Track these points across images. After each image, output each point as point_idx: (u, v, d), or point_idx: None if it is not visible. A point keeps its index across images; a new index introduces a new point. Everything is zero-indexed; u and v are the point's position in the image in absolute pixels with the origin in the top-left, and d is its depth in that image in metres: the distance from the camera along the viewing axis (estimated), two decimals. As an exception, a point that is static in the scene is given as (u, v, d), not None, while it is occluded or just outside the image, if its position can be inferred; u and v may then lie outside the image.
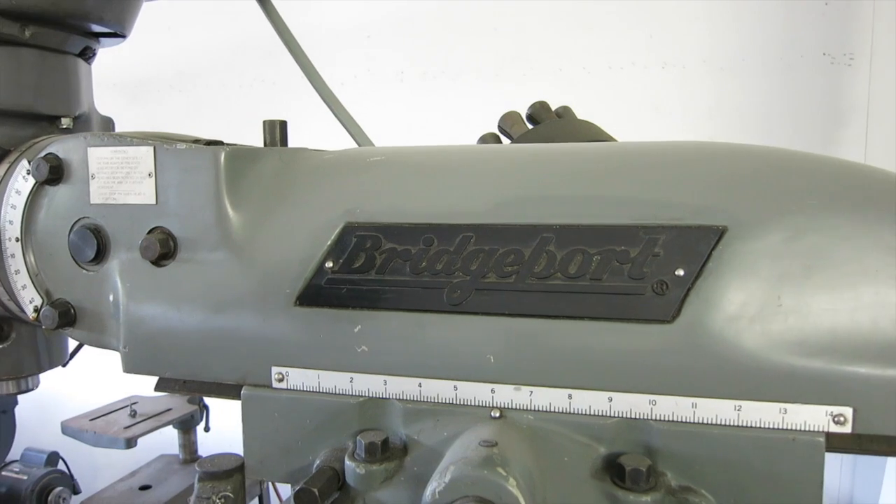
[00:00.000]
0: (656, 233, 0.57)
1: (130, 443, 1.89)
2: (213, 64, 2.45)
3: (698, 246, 0.56)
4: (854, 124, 2.05)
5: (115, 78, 2.34)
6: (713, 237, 0.56)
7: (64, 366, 1.05)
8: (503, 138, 0.98)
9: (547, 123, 0.95)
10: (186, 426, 2.09)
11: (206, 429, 2.13)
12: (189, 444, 2.13)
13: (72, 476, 2.17)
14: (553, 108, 0.99)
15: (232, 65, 2.42)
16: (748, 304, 0.55)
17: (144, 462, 2.16)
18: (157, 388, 0.74)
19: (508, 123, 0.97)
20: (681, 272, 0.56)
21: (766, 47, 2.05)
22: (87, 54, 0.91)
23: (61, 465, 2.16)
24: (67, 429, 1.95)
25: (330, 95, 0.96)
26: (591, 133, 0.93)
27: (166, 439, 2.12)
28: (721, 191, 0.58)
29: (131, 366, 0.71)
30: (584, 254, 0.58)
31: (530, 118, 0.97)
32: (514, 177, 0.63)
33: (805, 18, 2.03)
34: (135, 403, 2.03)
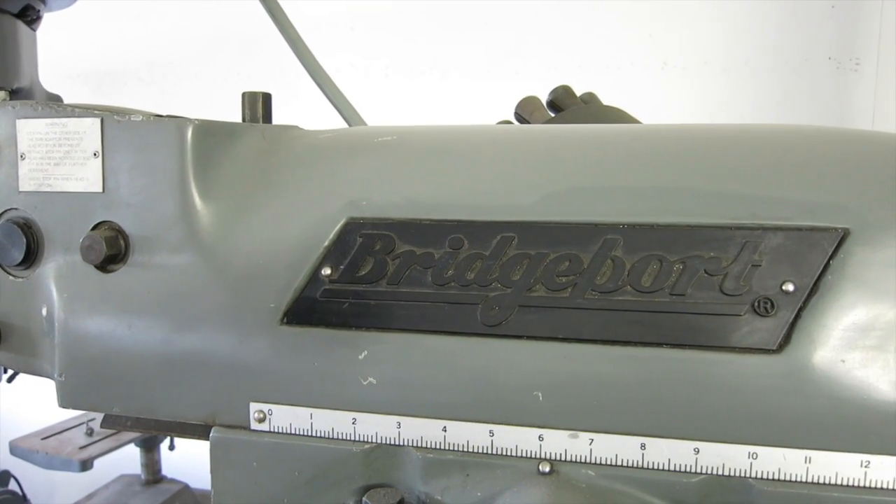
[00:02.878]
0: (757, 236, 0.45)
1: (86, 465, 1.76)
2: (185, 56, 2.34)
3: (812, 253, 0.44)
4: (859, 130, 2.00)
5: (77, 68, 2.24)
6: (831, 243, 0.44)
7: (9, 381, 0.92)
8: (520, 127, 0.86)
9: (572, 110, 0.83)
10: (149, 445, 1.97)
11: (171, 447, 2.01)
12: (152, 464, 2.01)
13: (24, 497, 2.04)
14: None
15: (205, 57, 2.32)
16: (878, 329, 0.43)
17: (103, 482, 2.03)
18: (104, 426, 0.60)
19: (528, 110, 0.85)
20: (790, 287, 0.44)
21: (770, 50, 2.02)
22: (29, 16, 0.77)
23: (13, 485, 2.03)
24: (16, 449, 1.81)
25: (322, 74, 0.83)
26: (623, 121, 0.81)
27: (127, 458, 2.00)
28: (840, 184, 0.46)
29: (69, 398, 0.57)
30: (661, 262, 0.46)
31: (552, 105, 0.85)
32: (569, 162, 0.50)
33: (810, 22, 1.99)
34: (91, 420, 1.89)
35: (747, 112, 2.04)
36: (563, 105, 0.84)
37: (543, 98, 0.86)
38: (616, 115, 0.83)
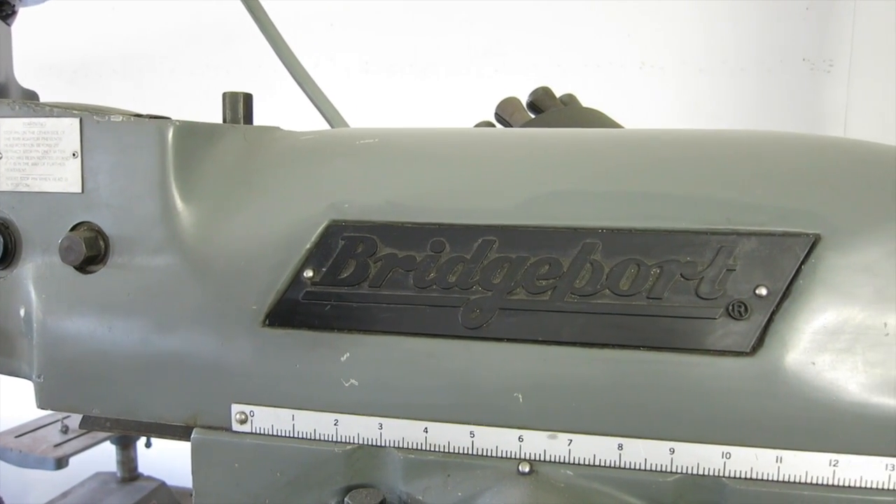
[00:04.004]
0: (732, 241, 0.46)
1: (61, 463, 1.73)
2: (161, 49, 2.30)
3: (785, 258, 0.45)
4: (832, 131, 2.03)
5: (51, 59, 2.18)
6: (803, 248, 0.45)
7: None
8: (501, 128, 0.86)
9: (552, 112, 0.83)
10: (125, 442, 1.94)
11: (148, 444, 1.98)
12: (128, 462, 1.98)
13: None
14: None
15: (182, 50, 2.27)
16: (847, 332, 0.45)
17: (79, 480, 2.00)
18: (82, 426, 0.60)
19: (508, 111, 0.85)
20: (763, 291, 0.45)
21: (746, 51, 2.03)
22: (3, 11, 0.76)
23: None
24: None
25: (302, 73, 0.82)
26: (604, 123, 0.82)
27: (103, 455, 1.97)
28: (812, 190, 0.47)
29: (47, 400, 0.56)
30: (639, 266, 0.47)
31: (532, 106, 0.86)
32: (550, 167, 0.51)
33: (785, 24, 2.01)
34: (67, 418, 1.86)
35: (724, 111, 2.05)
36: (543, 106, 0.85)
37: (524, 97, 0.86)
38: (594, 117, 0.83)
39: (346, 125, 0.86)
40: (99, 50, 2.32)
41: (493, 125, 0.86)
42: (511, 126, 0.85)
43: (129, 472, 1.98)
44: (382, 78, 2.19)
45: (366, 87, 2.18)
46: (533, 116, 0.85)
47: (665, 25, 2.06)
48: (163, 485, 1.86)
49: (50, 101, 0.60)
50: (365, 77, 2.20)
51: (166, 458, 1.74)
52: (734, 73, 2.04)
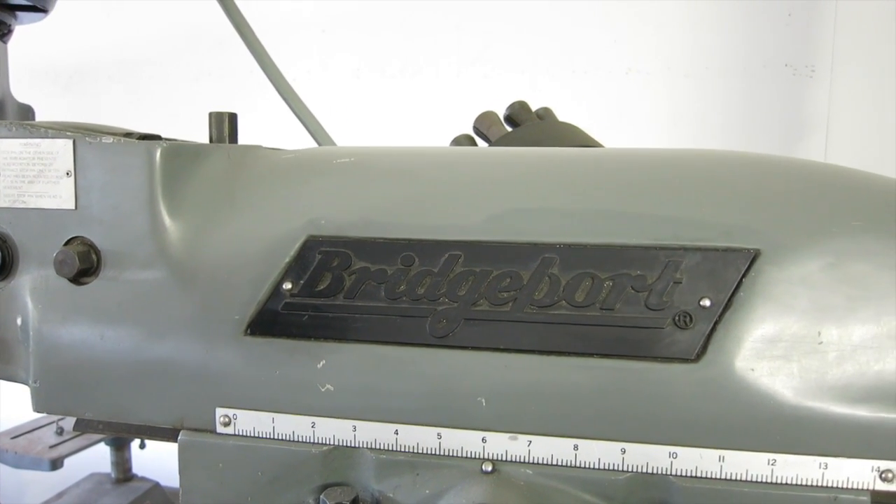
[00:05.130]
0: (678, 256, 0.49)
1: (56, 464, 1.74)
2: (156, 54, 2.30)
3: (727, 272, 0.49)
4: (814, 136, 2.05)
5: (45, 65, 2.18)
6: (744, 262, 0.48)
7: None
8: (479, 140, 0.90)
9: (528, 126, 0.86)
10: (119, 443, 1.95)
11: (142, 446, 1.99)
12: (122, 462, 1.98)
13: None
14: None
15: (177, 56, 2.28)
16: (784, 340, 0.48)
17: (73, 481, 2.01)
18: (76, 429, 0.63)
19: (485, 124, 0.88)
20: (706, 302, 0.48)
21: (730, 56, 2.05)
22: (0, 30, 0.78)
23: None
24: None
25: (286, 87, 0.86)
26: (577, 137, 0.85)
27: (98, 456, 1.98)
28: (753, 208, 0.50)
29: (43, 404, 0.59)
30: (593, 279, 0.50)
31: (509, 119, 0.89)
32: (512, 186, 0.54)
33: (768, 29, 2.03)
34: (61, 419, 1.87)
35: (708, 116, 2.08)
36: (520, 120, 0.88)
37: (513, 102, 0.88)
38: (569, 131, 0.86)
39: (328, 138, 0.90)
40: (94, 56, 2.32)
41: (471, 137, 0.89)
42: (488, 138, 0.88)
43: (123, 472, 1.98)
44: (374, 83, 2.20)
45: (357, 91, 2.20)
46: (510, 129, 0.88)
47: (650, 31, 2.08)
48: (157, 485, 1.87)
49: (44, 120, 0.63)
50: (357, 82, 2.22)
51: (160, 460, 1.76)
52: (718, 78, 2.06)
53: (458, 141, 0.88)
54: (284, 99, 0.84)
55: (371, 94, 2.19)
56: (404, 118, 2.11)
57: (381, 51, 2.18)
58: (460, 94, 2.10)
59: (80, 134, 0.57)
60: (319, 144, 0.89)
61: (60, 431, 1.83)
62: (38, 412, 0.60)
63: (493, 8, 2.13)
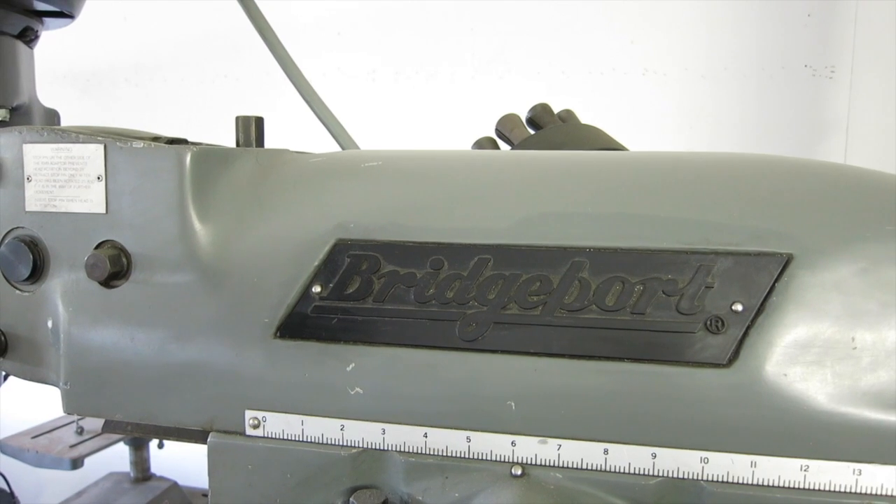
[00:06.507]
0: (710, 260, 0.49)
1: (76, 463, 1.76)
2: (172, 57, 2.32)
3: (759, 276, 0.48)
4: (834, 138, 2.04)
5: (64, 68, 2.21)
6: (777, 267, 0.48)
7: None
8: (501, 143, 0.90)
9: (551, 128, 0.86)
10: (138, 443, 1.96)
11: (160, 445, 2.01)
12: (141, 462, 2.00)
13: (12, 494, 2.02)
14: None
15: (193, 59, 2.29)
16: (817, 346, 0.47)
17: (92, 480, 2.02)
18: (104, 430, 0.63)
19: (508, 127, 0.88)
20: (739, 307, 0.48)
21: (748, 57, 2.04)
22: (28, 36, 0.79)
23: (1, 483, 2.01)
24: (7, 448, 1.80)
25: (309, 90, 0.86)
26: (601, 140, 0.85)
27: (116, 455, 1.99)
28: (786, 213, 0.50)
29: (74, 405, 0.60)
30: (623, 283, 0.50)
31: (531, 122, 0.89)
32: (541, 190, 0.54)
33: (787, 29, 2.02)
34: (81, 419, 1.89)
35: (725, 118, 2.06)
36: (542, 122, 0.88)
37: (529, 103, 0.88)
38: (593, 134, 0.86)
39: (352, 141, 0.90)
40: (111, 59, 2.34)
41: (493, 140, 0.89)
42: (511, 141, 0.88)
43: (141, 472, 2.00)
44: (389, 85, 2.21)
45: (372, 93, 2.21)
46: (532, 132, 0.88)
47: (667, 32, 2.07)
48: (175, 485, 1.89)
49: (69, 124, 0.64)
50: (373, 85, 2.22)
51: (178, 459, 1.77)
52: (736, 79, 2.05)
53: (480, 143, 0.88)
54: (307, 102, 0.85)
55: (386, 96, 2.19)
56: (419, 120, 2.11)
57: (396, 53, 2.19)
58: (476, 96, 2.10)
59: (111, 139, 0.57)
60: (343, 147, 0.89)
61: (80, 431, 1.85)
62: (69, 413, 0.60)
63: (508, 9, 2.13)
